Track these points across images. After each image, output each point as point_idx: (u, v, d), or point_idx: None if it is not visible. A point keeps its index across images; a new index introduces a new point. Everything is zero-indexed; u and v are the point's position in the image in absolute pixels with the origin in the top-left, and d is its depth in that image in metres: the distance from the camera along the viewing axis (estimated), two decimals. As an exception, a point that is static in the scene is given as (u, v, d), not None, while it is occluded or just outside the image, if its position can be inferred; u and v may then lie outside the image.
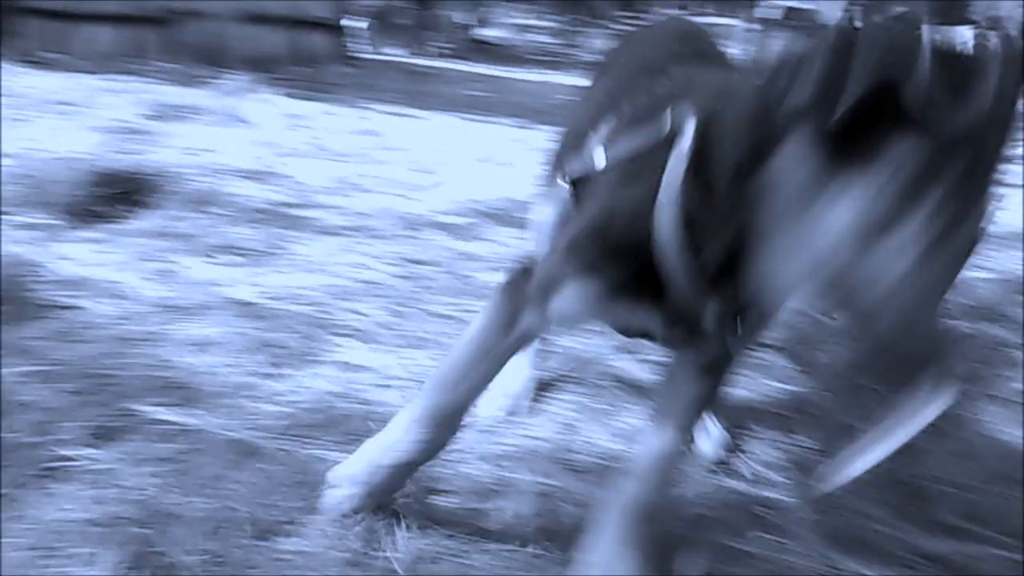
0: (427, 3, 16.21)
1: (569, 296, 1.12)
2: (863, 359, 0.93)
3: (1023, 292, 2.62)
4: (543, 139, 1.58)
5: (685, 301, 1.05)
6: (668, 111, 1.09)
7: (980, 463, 1.65)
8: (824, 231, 0.81)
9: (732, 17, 15.72)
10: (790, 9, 18.57)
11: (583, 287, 1.10)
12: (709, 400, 1.26)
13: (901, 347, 0.82)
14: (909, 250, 0.76)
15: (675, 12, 15.68)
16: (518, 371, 1.74)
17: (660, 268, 1.03)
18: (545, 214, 1.43)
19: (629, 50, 1.57)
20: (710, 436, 1.65)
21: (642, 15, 17.32)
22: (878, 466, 0.84)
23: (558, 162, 1.42)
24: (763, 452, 1.66)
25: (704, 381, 1.23)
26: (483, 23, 17.44)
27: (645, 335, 1.18)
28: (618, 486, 1.23)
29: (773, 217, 0.89)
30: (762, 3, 17.98)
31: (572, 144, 1.33)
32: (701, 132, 1.00)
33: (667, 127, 1.06)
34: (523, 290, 1.20)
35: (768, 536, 1.39)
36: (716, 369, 1.24)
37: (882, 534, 1.42)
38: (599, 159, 1.16)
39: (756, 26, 16.17)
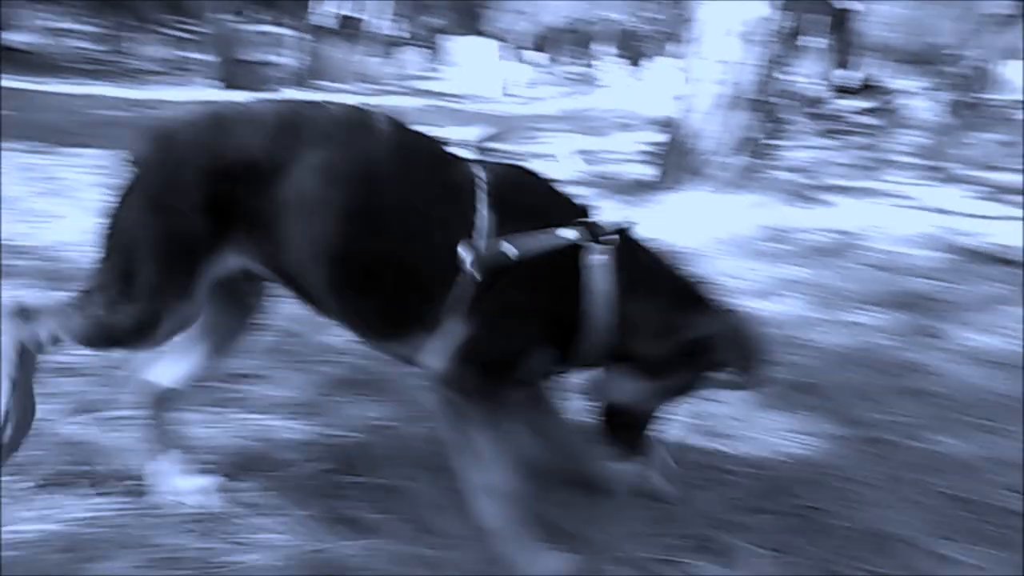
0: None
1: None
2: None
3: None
4: (65, 165, 1.41)
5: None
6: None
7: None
8: None
9: (284, 26, 15.71)
10: (344, 17, 19.40)
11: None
12: None
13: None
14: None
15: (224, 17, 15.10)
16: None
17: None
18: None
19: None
20: (197, 483, 1.61)
21: (192, 20, 16.60)
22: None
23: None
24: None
25: None
26: (7, 26, 15.21)
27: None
28: None
29: None
30: (315, 11, 18.41)
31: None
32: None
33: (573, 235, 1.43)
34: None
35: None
36: None
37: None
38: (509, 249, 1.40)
39: (308, 35, 16.44)
